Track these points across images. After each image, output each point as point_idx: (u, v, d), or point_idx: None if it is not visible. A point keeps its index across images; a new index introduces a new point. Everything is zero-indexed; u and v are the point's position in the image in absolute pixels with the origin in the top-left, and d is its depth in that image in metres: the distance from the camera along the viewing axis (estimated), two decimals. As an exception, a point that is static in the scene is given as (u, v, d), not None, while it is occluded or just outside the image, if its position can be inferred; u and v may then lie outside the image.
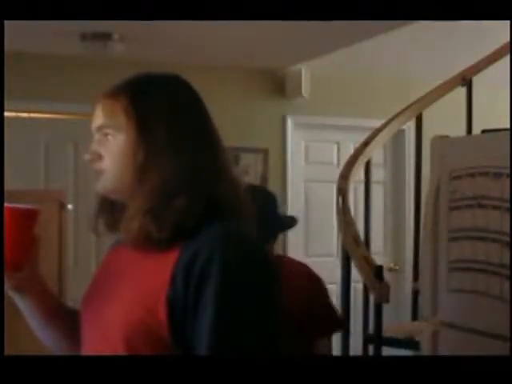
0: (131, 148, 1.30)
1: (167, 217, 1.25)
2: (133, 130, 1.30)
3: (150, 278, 1.24)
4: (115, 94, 1.33)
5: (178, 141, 1.29)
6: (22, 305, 1.42)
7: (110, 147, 1.32)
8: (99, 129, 1.34)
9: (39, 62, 4.69)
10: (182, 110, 1.33)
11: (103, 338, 1.28)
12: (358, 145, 3.60)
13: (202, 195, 1.27)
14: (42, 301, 1.42)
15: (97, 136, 1.35)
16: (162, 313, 1.21)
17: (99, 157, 1.33)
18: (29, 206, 1.34)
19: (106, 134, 1.32)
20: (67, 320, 1.47)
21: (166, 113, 1.31)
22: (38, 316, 1.44)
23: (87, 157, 1.34)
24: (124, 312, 1.24)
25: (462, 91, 3.60)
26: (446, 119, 4.56)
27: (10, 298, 1.41)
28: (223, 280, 1.18)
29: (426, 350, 2.48)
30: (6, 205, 1.33)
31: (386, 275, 3.06)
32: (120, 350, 1.24)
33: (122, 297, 1.27)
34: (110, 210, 1.38)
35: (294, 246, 5.36)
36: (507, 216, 2.15)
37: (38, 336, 1.49)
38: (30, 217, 1.35)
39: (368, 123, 4.53)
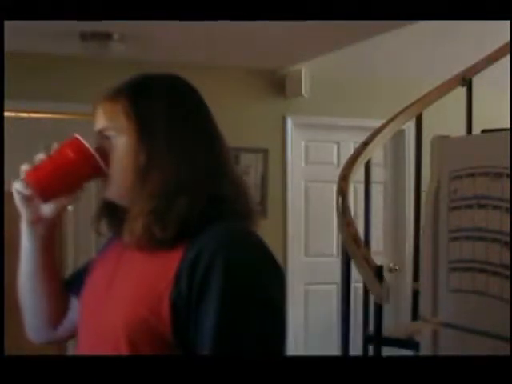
0: (133, 150, 1.29)
1: (170, 217, 1.25)
2: (134, 131, 1.30)
3: (153, 278, 1.24)
4: (115, 96, 1.32)
5: (180, 141, 1.29)
6: (26, 242, 1.42)
7: (111, 150, 1.32)
8: (100, 132, 1.34)
9: (39, 61, 4.69)
10: (183, 110, 1.33)
11: (105, 337, 1.28)
12: (357, 145, 3.60)
13: (204, 195, 1.27)
14: (45, 250, 1.42)
15: (99, 139, 1.35)
16: (164, 313, 1.21)
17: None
18: (101, 164, 1.31)
19: (108, 137, 1.32)
20: (56, 286, 1.48)
21: (166, 113, 1.30)
22: (33, 260, 1.43)
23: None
24: (126, 312, 1.24)
25: (462, 91, 3.60)
26: (445, 119, 4.56)
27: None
28: (226, 280, 1.18)
29: (425, 350, 2.48)
30: (84, 143, 1.31)
31: (386, 275, 3.06)
32: (122, 350, 1.24)
33: (125, 296, 1.27)
34: (112, 211, 1.38)
35: (294, 245, 5.37)
36: (507, 216, 2.15)
37: (20, 284, 1.47)
38: (94, 171, 1.32)
39: (368, 123, 4.53)
